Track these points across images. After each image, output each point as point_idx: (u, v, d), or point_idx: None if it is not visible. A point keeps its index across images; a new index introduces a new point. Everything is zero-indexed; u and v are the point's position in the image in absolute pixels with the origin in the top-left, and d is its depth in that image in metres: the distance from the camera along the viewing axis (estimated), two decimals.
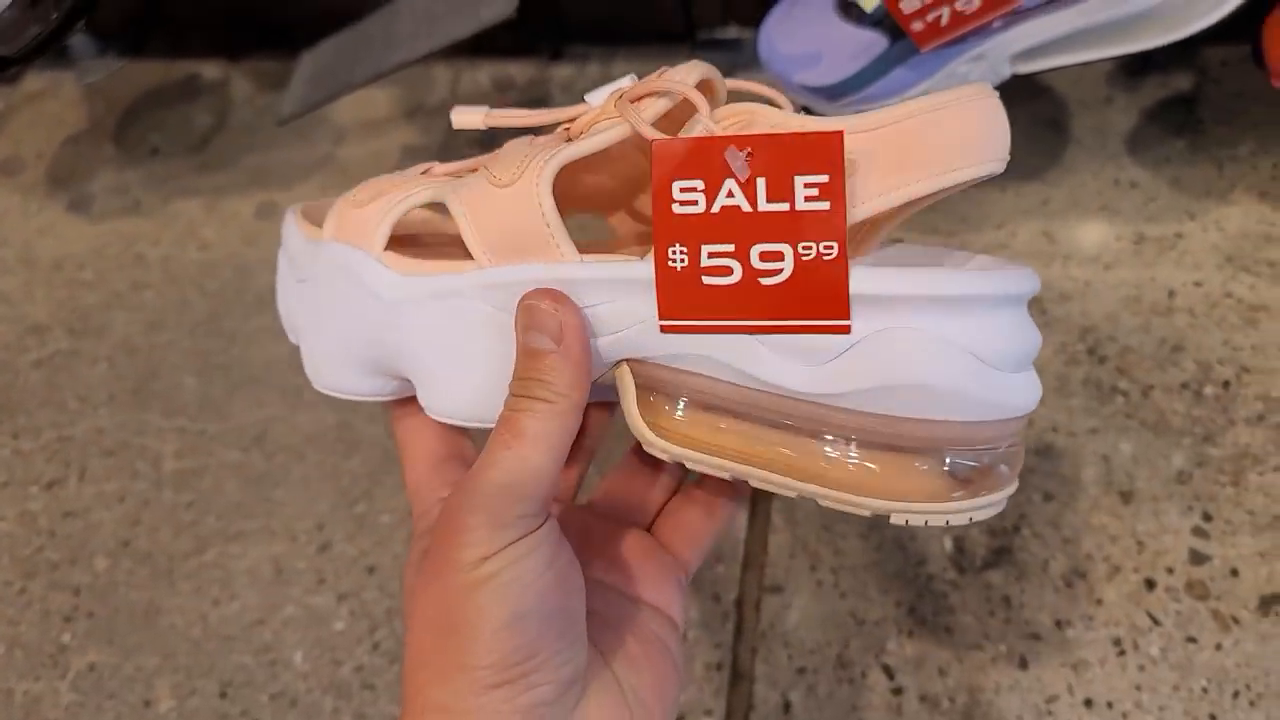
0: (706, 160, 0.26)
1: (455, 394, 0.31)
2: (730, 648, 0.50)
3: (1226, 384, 0.52)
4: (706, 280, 0.27)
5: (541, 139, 0.31)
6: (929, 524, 0.27)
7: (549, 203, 0.29)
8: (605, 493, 0.38)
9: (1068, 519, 0.50)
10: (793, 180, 0.25)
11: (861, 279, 0.26)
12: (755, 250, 0.26)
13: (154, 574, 0.57)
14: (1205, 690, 0.44)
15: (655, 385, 0.30)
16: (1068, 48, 0.47)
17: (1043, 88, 0.64)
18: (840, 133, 0.25)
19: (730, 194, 0.26)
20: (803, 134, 0.25)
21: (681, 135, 0.27)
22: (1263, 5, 0.49)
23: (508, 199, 0.29)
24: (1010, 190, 0.60)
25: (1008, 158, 0.26)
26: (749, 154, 0.25)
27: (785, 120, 0.26)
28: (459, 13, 0.49)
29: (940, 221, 0.60)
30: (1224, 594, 0.47)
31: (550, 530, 0.28)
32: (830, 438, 0.27)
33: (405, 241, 0.36)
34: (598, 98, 0.30)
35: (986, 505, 0.28)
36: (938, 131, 0.25)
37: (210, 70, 0.78)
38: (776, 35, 0.53)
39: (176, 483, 0.60)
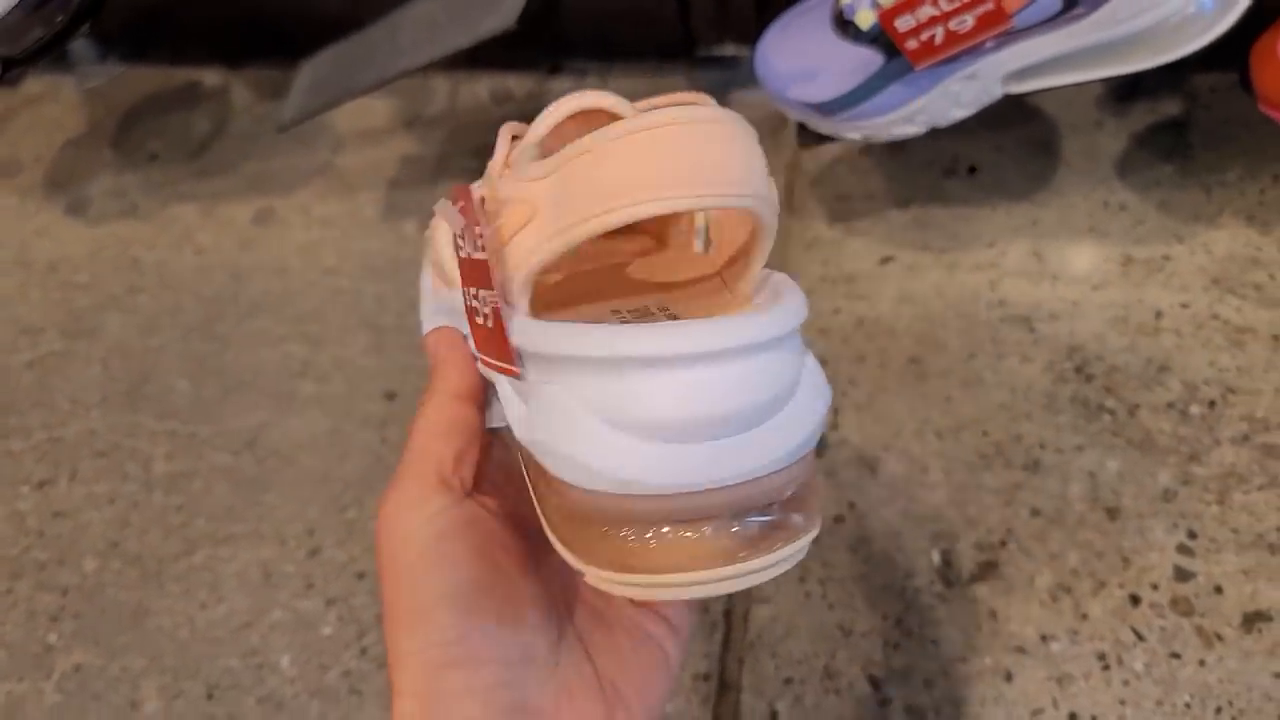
0: (456, 215, 0.26)
1: None
2: (718, 658, 0.50)
3: (1212, 404, 0.53)
4: (476, 320, 0.27)
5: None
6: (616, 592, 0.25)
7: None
8: None
9: (1054, 534, 0.50)
10: (474, 229, 0.25)
11: (516, 330, 0.25)
12: (473, 294, 0.27)
13: (143, 575, 0.57)
14: (1189, 706, 0.45)
15: None
16: (1059, 69, 0.48)
17: (1034, 110, 0.65)
18: (463, 187, 0.25)
19: (464, 241, 0.26)
20: (454, 189, 0.26)
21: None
22: (1250, 32, 0.50)
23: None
24: (1001, 210, 0.61)
25: (737, 191, 0.23)
26: (461, 205, 0.25)
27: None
28: (460, 23, 0.50)
29: (931, 239, 0.61)
30: (1208, 611, 0.47)
31: (468, 515, 0.29)
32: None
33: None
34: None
35: (723, 579, 0.24)
36: (600, 170, 0.23)
37: (210, 77, 0.78)
38: (773, 52, 0.53)
39: (167, 485, 0.60)
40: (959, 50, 0.45)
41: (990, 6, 0.43)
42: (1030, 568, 0.50)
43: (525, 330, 0.25)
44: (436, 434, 0.30)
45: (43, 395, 0.65)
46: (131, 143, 0.75)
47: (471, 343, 0.29)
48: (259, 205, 0.71)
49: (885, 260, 0.61)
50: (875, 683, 0.48)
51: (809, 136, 0.61)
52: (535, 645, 0.29)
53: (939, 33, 0.45)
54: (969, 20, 0.44)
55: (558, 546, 0.26)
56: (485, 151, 0.33)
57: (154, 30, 0.80)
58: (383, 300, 0.66)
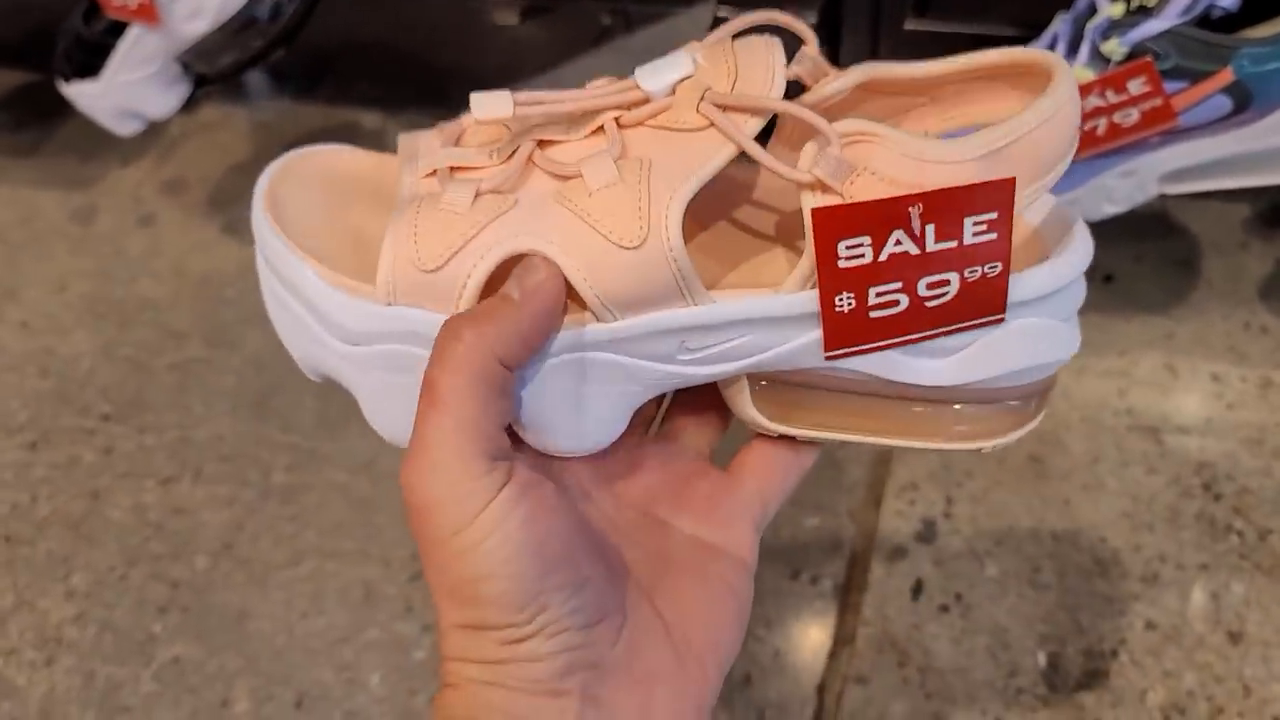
0: (876, 219, 0.27)
1: (582, 438, 0.31)
2: None
3: None
4: (873, 315, 0.28)
5: (607, 148, 0.29)
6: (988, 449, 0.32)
7: (685, 261, 0.28)
8: (679, 424, 0.36)
9: (1170, 652, 0.49)
10: (962, 221, 0.27)
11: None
12: (923, 282, 0.28)
13: (249, 579, 0.59)
14: None
15: (766, 379, 0.32)
16: (1219, 172, 0.47)
17: (1178, 226, 0.65)
18: (1012, 180, 0.27)
19: (898, 242, 0.27)
20: (977, 186, 0.27)
21: (832, 194, 0.27)
22: None
23: (637, 261, 0.28)
24: (1135, 321, 0.60)
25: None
26: (921, 209, 0.27)
27: (908, 142, 0.27)
28: None
29: None
30: None
31: (518, 490, 0.27)
32: (934, 401, 0.31)
33: None
34: (655, 82, 0.29)
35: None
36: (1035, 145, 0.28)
37: (369, 120, 0.82)
38: None
39: (283, 495, 0.62)
40: (1121, 144, 0.46)
41: (1158, 103, 0.43)
42: (1142, 682, 0.48)
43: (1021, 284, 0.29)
44: (479, 400, 0.26)
45: (179, 397, 0.68)
46: None
47: (864, 336, 0.29)
48: None
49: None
50: None
51: None
52: (605, 605, 0.28)
53: (1102, 124, 0.45)
54: (1134, 114, 0.44)
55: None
56: None
57: (325, 72, 0.85)
58: None
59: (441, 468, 0.26)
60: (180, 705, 0.55)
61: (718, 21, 0.59)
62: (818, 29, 0.58)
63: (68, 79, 0.62)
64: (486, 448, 0.26)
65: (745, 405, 0.32)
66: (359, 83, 0.85)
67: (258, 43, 0.57)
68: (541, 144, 0.30)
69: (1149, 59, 0.42)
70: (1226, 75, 0.42)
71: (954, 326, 0.29)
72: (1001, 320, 0.29)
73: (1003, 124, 0.27)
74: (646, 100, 0.29)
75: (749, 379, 0.32)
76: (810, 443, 0.34)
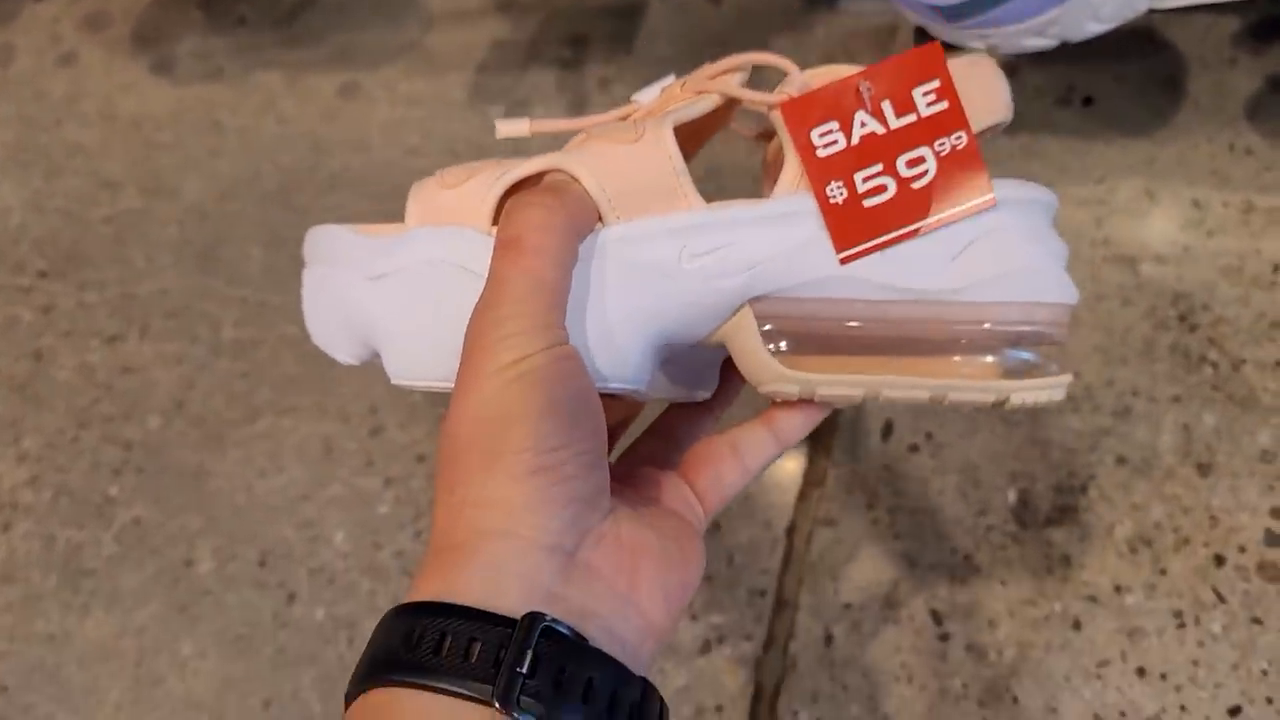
0: (835, 103, 0.31)
1: (606, 349, 0.32)
2: (777, 575, 0.49)
3: None
4: (867, 203, 0.30)
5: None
6: (1030, 401, 0.31)
7: (676, 151, 0.31)
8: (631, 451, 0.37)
9: (1139, 485, 0.48)
10: (911, 93, 0.30)
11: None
12: (901, 161, 0.30)
13: (205, 438, 0.57)
14: (1265, 673, 0.43)
15: (773, 321, 0.32)
16: None
17: (1162, 43, 0.61)
18: (937, 44, 0.30)
19: (863, 124, 0.30)
20: (909, 53, 0.30)
21: (800, 89, 0.31)
22: None
23: (636, 153, 0.31)
24: (1115, 145, 0.58)
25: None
26: (870, 86, 0.30)
27: (839, 70, 0.31)
28: None
29: (1038, 170, 0.58)
30: None
31: (573, 351, 0.29)
32: (947, 341, 0.32)
33: None
34: (647, 96, 0.34)
35: (1057, 385, 0.32)
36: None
37: None
38: None
39: (234, 351, 0.60)
40: None
41: None
42: (1110, 516, 0.48)
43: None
44: (559, 262, 0.29)
45: (118, 250, 0.64)
46: (221, 5, 0.74)
47: (868, 230, 0.31)
48: (344, 78, 0.70)
49: None
50: (937, 617, 0.47)
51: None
52: (605, 477, 0.29)
53: None
54: None
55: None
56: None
57: None
58: None
59: (520, 306, 0.28)
60: (144, 567, 0.54)
61: None
62: None
63: None
64: (559, 303, 0.29)
65: (755, 347, 0.32)
66: None
67: None
68: None
69: None
70: None
71: (948, 212, 0.30)
72: (992, 201, 0.30)
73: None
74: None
75: (761, 330, 0.32)
76: (821, 404, 0.34)
